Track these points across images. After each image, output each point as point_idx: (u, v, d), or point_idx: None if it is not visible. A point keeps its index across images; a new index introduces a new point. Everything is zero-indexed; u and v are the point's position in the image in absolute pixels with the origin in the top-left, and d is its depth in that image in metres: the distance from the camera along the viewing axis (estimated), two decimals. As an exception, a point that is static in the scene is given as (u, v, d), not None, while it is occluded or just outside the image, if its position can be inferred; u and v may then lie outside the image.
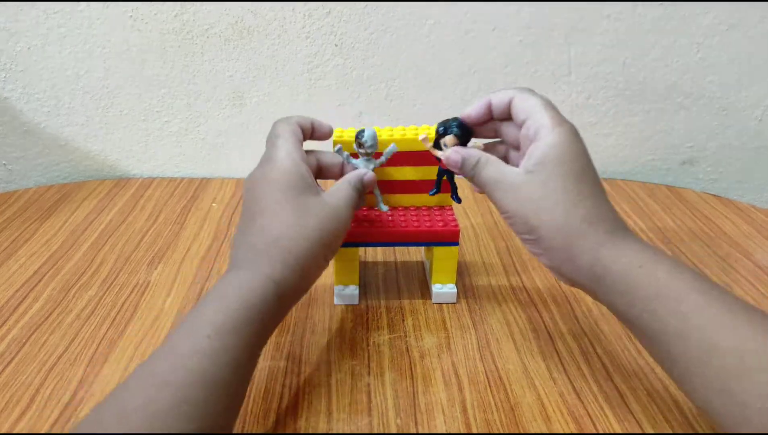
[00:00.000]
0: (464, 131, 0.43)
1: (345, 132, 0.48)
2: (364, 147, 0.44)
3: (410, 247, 0.61)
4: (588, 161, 0.38)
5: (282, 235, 0.38)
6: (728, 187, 0.82)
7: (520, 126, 0.40)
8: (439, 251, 0.50)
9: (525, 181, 0.37)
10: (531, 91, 0.40)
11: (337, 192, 0.41)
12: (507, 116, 0.41)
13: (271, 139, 0.42)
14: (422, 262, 0.58)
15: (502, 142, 0.44)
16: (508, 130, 0.42)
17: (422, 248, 0.59)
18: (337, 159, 0.46)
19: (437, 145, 0.44)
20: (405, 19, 0.70)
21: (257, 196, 0.39)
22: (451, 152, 0.42)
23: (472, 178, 0.41)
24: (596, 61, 0.73)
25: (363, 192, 0.44)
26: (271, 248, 0.37)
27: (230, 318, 0.33)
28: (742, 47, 0.72)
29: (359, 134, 0.45)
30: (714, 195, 0.74)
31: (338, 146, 0.45)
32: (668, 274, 0.33)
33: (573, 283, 0.38)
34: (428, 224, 0.49)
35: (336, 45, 0.71)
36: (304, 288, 0.40)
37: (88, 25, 0.70)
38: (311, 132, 0.45)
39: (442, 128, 0.43)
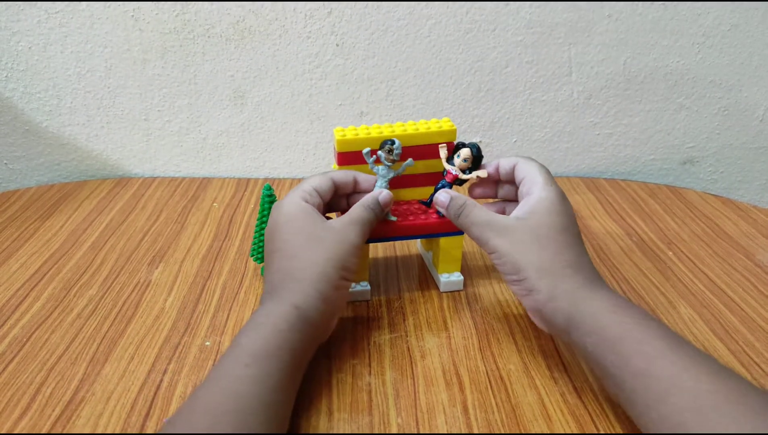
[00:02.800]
0: (479, 154, 0.47)
1: (347, 130, 0.49)
2: (392, 154, 0.47)
3: (409, 241, 0.61)
4: (572, 218, 0.43)
5: (295, 268, 0.42)
6: (729, 187, 0.82)
7: (518, 184, 0.46)
8: (444, 241, 0.50)
9: (517, 226, 0.42)
10: (532, 158, 0.46)
11: (349, 214, 0.45)
12: (511, 178, 0.47)
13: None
14: (419, 256, 0.58)
15: (504, 201, 0.50)
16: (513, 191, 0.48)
17: (417, 241, 0.59)
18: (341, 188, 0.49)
19: (450, 159, 0.48)
20: (405, 19, 0.70)
21: (271, 241, 0.44)
22: (440, 193, 0.47)
23: (457, 219, 0.45)
24: (597, 60, 0.73)
25: (380, 211, 0.47)
26: (288, 282, 0.41)
27: (263, 345, 0.37)
28: (743, 47, 0.72)
29: (389, 143, 0.47)
30: (715, 195, 0.73)
31: (367, 149, 0.47)
32: (635, 320, 0.37)
33: (550, 324, 0.41)
34: (435, 216, 0.50)
35: (337, 45, 0.71)
36: (329, 310, 0.42)
37: (90, 25, 0.70)
38: (353, 185, 0.48)
39: (461, 143, 0.48)
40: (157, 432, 0.38)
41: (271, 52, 0.72)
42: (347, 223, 0.44)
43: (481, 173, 0.47)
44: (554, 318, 0.39)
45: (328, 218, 0.46)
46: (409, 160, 0.48)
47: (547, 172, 0.44)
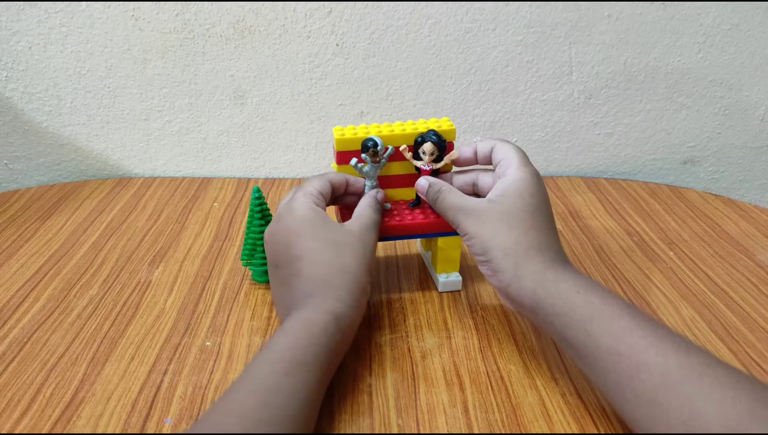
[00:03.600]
0: (441, 141, 0.48)
1: (346, 130, 0.49)
2: (378, 154, 0.48)
3: (409, 241, 0.61)
4: (544, 198, 0.43)
5: (327, 275, 0.41)
6: (730, 186, 0.82)
7: (495, 166, 0.46)
8: (443, 241, 0.50)
9: (486, 209, 0.42)
10: (510, 141, 0.46)
11: (360, 217, 0.46)
12: (488, 161, 0.47)
13: (294, 193, 0.46)
14: (419, 255, 0.58)
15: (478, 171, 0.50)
16: (485, 179, 0.48)
17: (417, 241, 0.59)
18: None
19: (416, 155, 0.49)
20: (406, 18, 0.70)
21: (289, 245, 0.43)
22: (420, 179, 0.48)
23: (434, 203, 0.46)
24: (597, 60, 0.73)
25: (381, 209, 0.49)
26: (321, 289, 0.41)
27: (301, 354, 0.36)
28: (744, 46, 0.72)
29: (372, 143, 0.47)
30: (715, 195, 0.73)
31: (353, 160, 0.48)
32: (602, 300, 0.37)
33: (517, 305, 0.41)
34: (433, 215, 0.50)
35: (337, 44, 0.71)
36: (358, 315, 0.42)
37: (90, 25, 0.70)
38: (345, 186, 0.49)
39: (420, 138, 0.48)
40: (175, 432, 0.38)
41: (271, 52, 0.72)
42: (365, 228, 0.45)
43: (452, 155, 0.48)
44: (520, 298, 0.40)
45: None
46: (390, 147, 0.48)
47: (524, 154, 0.45)
